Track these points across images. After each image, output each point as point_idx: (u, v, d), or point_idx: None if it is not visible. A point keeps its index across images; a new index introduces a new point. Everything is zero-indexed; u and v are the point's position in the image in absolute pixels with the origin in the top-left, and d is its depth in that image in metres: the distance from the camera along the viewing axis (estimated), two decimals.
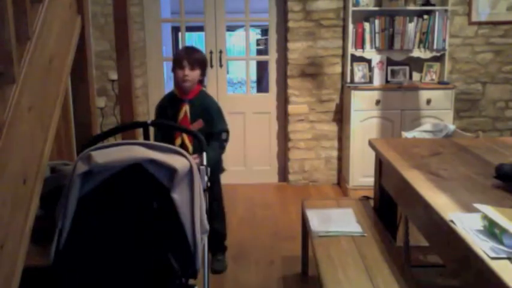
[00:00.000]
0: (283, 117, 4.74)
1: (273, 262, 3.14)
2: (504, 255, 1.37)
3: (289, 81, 4.52)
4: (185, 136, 2.75)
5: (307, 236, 2.69)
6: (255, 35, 8.83)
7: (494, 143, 2.70)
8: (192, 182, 1.81)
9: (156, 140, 2.71)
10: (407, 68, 4.40)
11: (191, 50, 2.87)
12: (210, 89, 4.73)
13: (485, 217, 1.51)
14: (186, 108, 2.80)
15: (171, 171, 1.76)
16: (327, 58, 4.47)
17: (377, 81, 4.28)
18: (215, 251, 3.01)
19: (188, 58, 2.78)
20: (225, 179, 4.84)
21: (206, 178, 2.06)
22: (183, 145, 2.73)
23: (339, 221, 2.55)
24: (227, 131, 2.84)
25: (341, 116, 4.54)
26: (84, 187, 1.77)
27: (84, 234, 1.77)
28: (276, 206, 4.17)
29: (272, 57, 4.70)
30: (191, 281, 1.90)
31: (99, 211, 1.79)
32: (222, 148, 2.82)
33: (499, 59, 4.51)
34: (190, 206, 1.80)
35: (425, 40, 4.24)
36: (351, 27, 4.24)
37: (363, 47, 4.30)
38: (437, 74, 4.36)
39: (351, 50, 4.28)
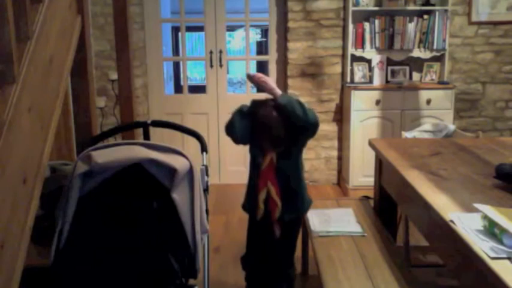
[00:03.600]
0: None
1: None
2: (504, 255, 1.37)
3: (289, 81, 4.52)
4: (271, 187, 2.17)
5: (307, 236, 2.69)
6: (254, 35, 8.83)
7: (494, 143, 2.69)
8: (192, 182, 1.81)
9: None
10: (407, 68, 4.40)
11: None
12: (210, 89, 4.76)
13: (485, 217, 1.51)
14: None
15: (171, 171, 1.76)
16: (327, 58, 4.47)
17: (377, 81, 4.28)
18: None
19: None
20: (225, 179, 4.88)
21: (206, 178, 2.07)
22: (268, 198, 2.18)
23: (339, 221, 2.55)
24: None
25: (341, 116, 4.54)
26: (84, 187, 1.77)
27: (84, 234, 1.77)
28: None
29: (272, 57, 4.69)
30: (191, 281, 1.90)
31: (99, 211, 1.79)
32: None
33: (499, 59, 4.50)
34: (191, 206, 1.80)
35: (425, 40, 4.24)
36: (351, 27, 4.24)
37: (363, 47, 4.30)
38: (437, 74, 4.36)
39: (351, 50, 4.28)
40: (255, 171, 2.22)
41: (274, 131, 2.09)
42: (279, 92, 2.14)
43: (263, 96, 2.23)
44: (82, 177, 1.75)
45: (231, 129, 2.15)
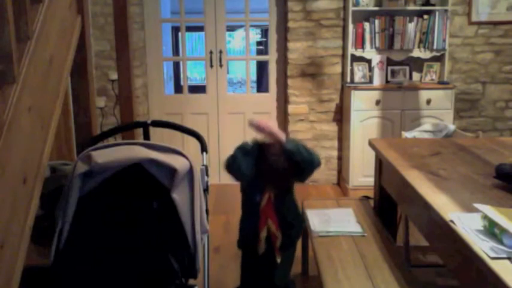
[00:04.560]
0: (283, 117, 4.74)
1: None
2: (504, 255, 1.37)
3: (289, 81, 4.52)
4: (271, 224, 2.16)
5: (307, 236, 2.69)
6: (254, 35, 8.83)
7: (494, 143, 2.69)
8: (192, 181, 1.81)
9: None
10: (407, 68, 4.40)
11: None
12: (210, 89, 4.76)
13: (485, 217, 1.51)
14: None
15: (171, 171, 1.76)
16: (327, 58, 4.47)
17: (377, 81, 4.28)
18: None
19: None
20: (225, 179, 4.87)
21: (206, 178, 2.06)
22: (269, 233, 2.16)
23: (339, 221, 2.55)
24: None
25: (341, 116, 4.54)
26: (84, 187, 1.77)
27: (84, 234, 1.77)
28: None
29: (272, 57, 4.69)
30: (191, 281, 1.90)
31: (99, 211, 1.79)
32: None
33: (499, 59, 4.50)
34: (191, 206, 1.80)
35: (425, 40, 4.24)
36: (351, 27, 4.24)
37: (363, 47, 4.30)
38: (437, 74, 4.36)
39: (351, 50, 4.28)
40: (251, 208, 2.19)
41: (283, 176, 2.11)
42: (283, 136, 2.09)
43: (262, 135, 2.10)
44: (82, 177, 1.75)
45: (233, 167, 2.06)
